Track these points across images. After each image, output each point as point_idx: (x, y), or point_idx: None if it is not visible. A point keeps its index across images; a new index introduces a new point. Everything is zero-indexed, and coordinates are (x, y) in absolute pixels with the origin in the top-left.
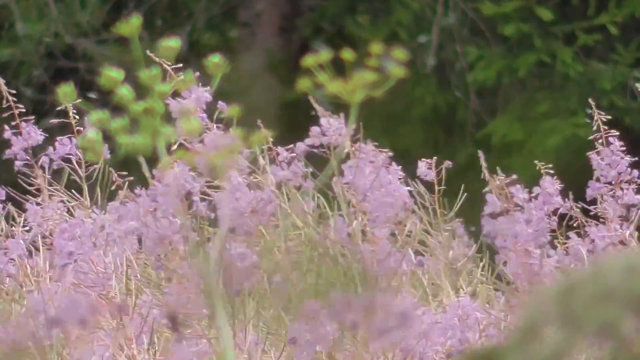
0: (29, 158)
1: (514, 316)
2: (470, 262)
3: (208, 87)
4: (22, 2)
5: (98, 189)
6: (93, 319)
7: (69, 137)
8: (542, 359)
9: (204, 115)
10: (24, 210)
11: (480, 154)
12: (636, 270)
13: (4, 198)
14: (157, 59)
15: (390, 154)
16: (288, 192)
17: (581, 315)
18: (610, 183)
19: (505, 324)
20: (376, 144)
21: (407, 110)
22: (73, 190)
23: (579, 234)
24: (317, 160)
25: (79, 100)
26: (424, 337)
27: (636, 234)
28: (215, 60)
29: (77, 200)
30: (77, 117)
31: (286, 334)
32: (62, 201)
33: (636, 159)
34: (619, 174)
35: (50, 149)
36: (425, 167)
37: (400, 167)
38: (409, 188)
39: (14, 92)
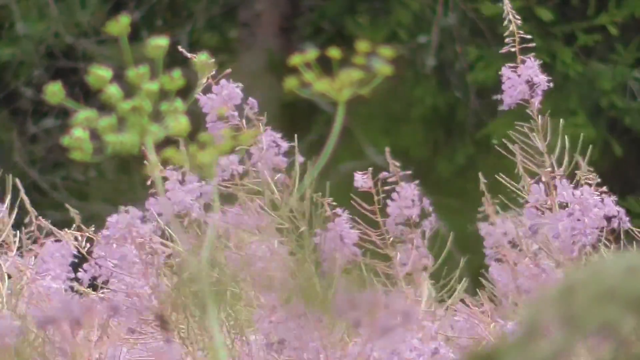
0: None
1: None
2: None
3: (240, 84)
4: (22, 2)
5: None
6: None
7: None
8: (542, 359)
9: (235, 113)
10: None
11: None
12: (636, 271)
13: None
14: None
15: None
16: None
17: (581, 315)
18: None
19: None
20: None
21: (406, 111)
22: None
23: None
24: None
25: (79, 101)
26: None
27: None
28: (202, 58)
29: None
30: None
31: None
32: None
33: None
34: None
35: None
36: (361, 179)
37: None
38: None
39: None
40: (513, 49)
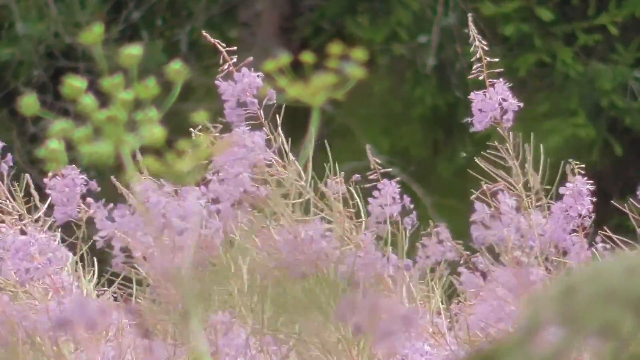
0: None
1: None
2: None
3: (260, 73)
4: (22, 2)
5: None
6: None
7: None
8: (542, 359)
9: (255, 100)
10: None
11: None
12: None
13: None
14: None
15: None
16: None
17: (581, 315)
18: None
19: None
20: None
21: (406, 110)
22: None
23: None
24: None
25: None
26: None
27: None
28: (175, 67)
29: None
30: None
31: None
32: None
33: None
34: None
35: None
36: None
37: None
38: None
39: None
40: (481, 76)
